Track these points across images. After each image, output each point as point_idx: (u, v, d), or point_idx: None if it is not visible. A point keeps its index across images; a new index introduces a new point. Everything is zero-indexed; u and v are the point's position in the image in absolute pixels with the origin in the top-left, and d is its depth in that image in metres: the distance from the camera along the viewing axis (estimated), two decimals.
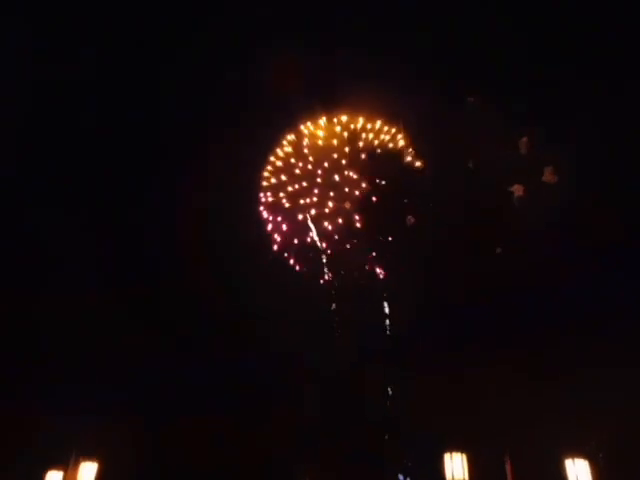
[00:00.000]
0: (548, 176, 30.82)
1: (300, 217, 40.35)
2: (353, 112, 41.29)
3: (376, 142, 41.56)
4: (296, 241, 40.15)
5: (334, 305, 36.20)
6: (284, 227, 40.35)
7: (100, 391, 23.57)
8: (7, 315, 23.64)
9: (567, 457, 19.29)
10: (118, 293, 25.73)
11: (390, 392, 29.48)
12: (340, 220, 38.15)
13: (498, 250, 30.43)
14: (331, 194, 40.05)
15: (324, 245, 37.69)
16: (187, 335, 28.00)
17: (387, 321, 34.09)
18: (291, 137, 41.55)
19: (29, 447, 19.18)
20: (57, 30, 17.75)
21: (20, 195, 17.53)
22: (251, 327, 29.28)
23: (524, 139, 31.86)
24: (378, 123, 41.93)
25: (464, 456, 17.86)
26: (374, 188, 35.04)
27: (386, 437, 27.26)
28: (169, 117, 26.57)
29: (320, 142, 41.26)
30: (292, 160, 41.11)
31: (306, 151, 41.22)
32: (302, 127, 41.20)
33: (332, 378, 28.74)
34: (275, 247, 39.80)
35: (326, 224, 39.54)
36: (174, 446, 23.81)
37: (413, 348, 28.18)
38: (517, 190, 31.53)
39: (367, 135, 41.79)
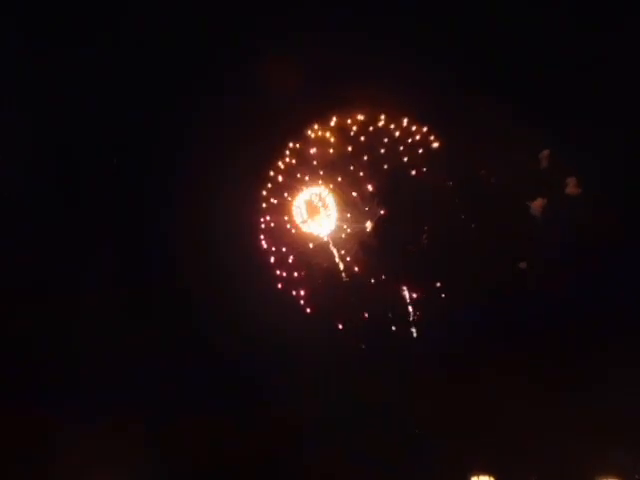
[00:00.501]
0: (572, 188, 30.05)
1: (311, 245, 33.27)
2: (371, 109, 33.10)
3: (401, 148, 33.39)
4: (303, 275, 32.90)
5: (362, 346, 32.17)
6: (290, 259, 32.72)
7: (122, 407, 23.24)
8: (41, 335, 23.29)
9: (599, 478, 18.36)
10: (127, 296, 24.91)
11: (410, 407, 28.18)
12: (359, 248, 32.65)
13: (522, 265, 29.68)
14: (348, 215, 33.29)
15: (345, 275, 32.72)
16: (195, 336, 27.09)
17: (414, 342, 31.83)
18: (295, 145, 32.58)
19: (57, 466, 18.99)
20: (56, 30, 17.55)
21: (20, 195, 17.30)
22: (252, 327, 27.85)
23: (545, 152, 31.14)
24: (404, 121, 33.51)
25: (491, 479, 17.08)
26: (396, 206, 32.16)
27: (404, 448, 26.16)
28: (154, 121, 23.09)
29: (331, 150, 33.26)
30: (297, 175, 32.87)
31: (315, 162, 33.20)
32: (309, 131, 32.36)
33: (342, 382, 27.53)
34: (280, 285, 32.09)
35: (343, 252, 33.03)
36: (180, 448, 23.15)
37: (438, 365, 27.42)
38: (538, 205, 30.68)
39: (391, 136, 33.58)
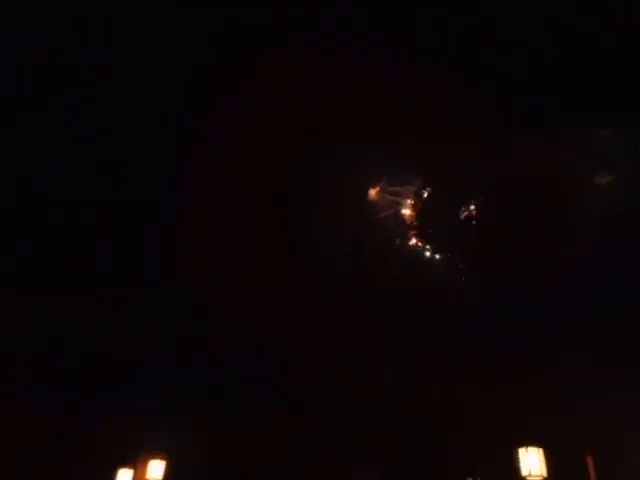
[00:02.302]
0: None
1: None
2: None
3: None
4: None
5: None
6: None
7: (164, 387, 22.81)
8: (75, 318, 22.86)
9: None
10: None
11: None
12: None
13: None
14: None
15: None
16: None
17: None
18: None
19: (99, 447, 18.94)
20: (57, 29, 17.36)
21: (20, 193, 17.12)
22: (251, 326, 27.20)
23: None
24: None
25: (540, 450, 16.42)
26: None
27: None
28: None
29: None
30: None
31: None
32: None
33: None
34: None
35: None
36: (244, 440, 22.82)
37: (480, 332, 26.10)
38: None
39: None
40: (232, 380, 14.88)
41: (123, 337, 14.99)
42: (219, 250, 15.29)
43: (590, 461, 16.10)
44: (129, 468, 15.78)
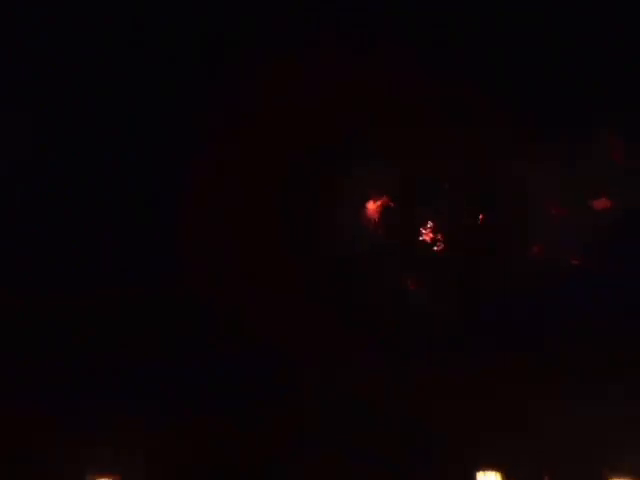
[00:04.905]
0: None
1: None
2: None
3: None
4: None
5: None
6: None
7: (110, 398, 22.67)
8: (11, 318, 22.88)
9: (613, 477, 18.03)
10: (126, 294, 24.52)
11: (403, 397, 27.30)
12: None
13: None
14: None
15: None
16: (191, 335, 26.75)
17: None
18: None
19: (42, 465, 18.73)
20: (57, 29, 17.30)
21: (20, 193, 17.08)
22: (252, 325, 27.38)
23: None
24: None
25: (499, 475, 16.83)
26: None
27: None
28: None
29: None
30: None
31: None
32: None
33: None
34: None
35: None
36: (188, 447, 22.80)
37: (438, 350, 26.58)
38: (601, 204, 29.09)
39: None
40: (232, 380, 14.93)
41: (123, 337, 15.05)
42: (219, 250, 15.34)
43: None
44: None
